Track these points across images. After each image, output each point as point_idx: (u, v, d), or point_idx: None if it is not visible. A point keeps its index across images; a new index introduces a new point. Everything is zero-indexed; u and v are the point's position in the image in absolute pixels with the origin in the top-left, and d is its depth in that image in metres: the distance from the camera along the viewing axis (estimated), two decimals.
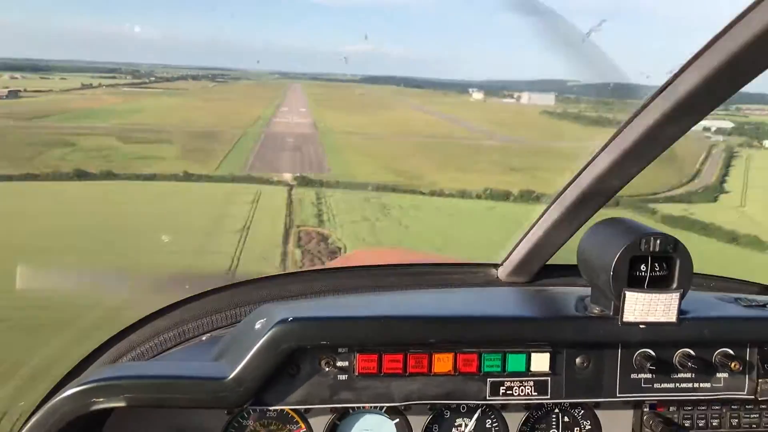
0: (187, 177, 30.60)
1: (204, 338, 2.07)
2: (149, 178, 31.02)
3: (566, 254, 2.07)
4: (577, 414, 2.02)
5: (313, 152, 49.36)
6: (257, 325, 1.75)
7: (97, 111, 61.04)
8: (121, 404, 1.60)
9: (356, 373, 1.76)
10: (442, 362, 1.76)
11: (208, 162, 39.26)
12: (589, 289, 1.90)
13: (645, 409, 1.97)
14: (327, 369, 1.76)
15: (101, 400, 1.59)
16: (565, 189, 1.90)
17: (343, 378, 1.76)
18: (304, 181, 32.84)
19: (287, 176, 35.43)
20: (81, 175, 28.50)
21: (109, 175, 30.04)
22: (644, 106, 1.50)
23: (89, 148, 40.78)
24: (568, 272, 2.25)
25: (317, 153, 47.93)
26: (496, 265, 2.31)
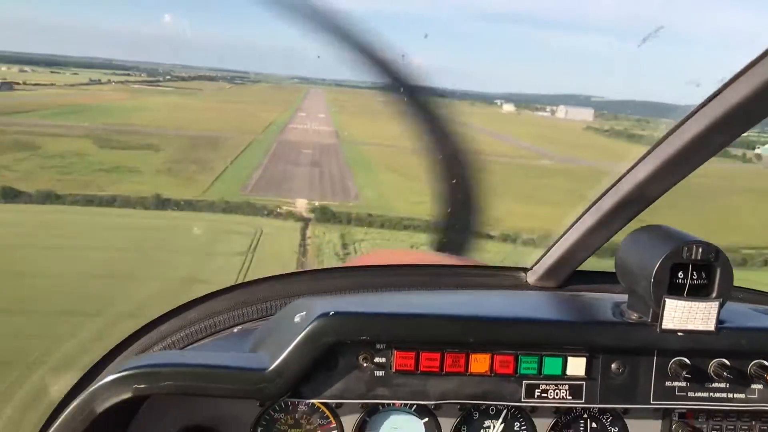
0: (160, 204, 21.69)
1: (235, 330, 2.09)
2: (106, 202, 22.09)
3: (592, 261, 2.06)
4: (606, 420, 2.03)
5: (336, 169, 40.62)
6: (297, 318, 1.75)
7: (92, 107, 55.46)
8: (160, 392, 1.60)
9: (393, 370, 1.76)
10: (479, 362, 1.77)
11: (198, 179, 30.48)
12: (621, 295, 1.92)
13: (674, 418, 1.98)
14: (365, 364, 1.76)
15: (142, 386, 1.59)
16: (602, 195, 1.89)
17: (380, 374, 1.77)
18: (323, 215, 24.00)
19: (301, 204, 26.57)
20: (7, 194, 19.86)
21: (48, 198, 21.44)
22: (691, 115, 1.49)
23: (53, 153, 31.77)
24: (597, 279, 2.27)
25: (341, 170, 36.71)
26: (525, 269, 2.31)
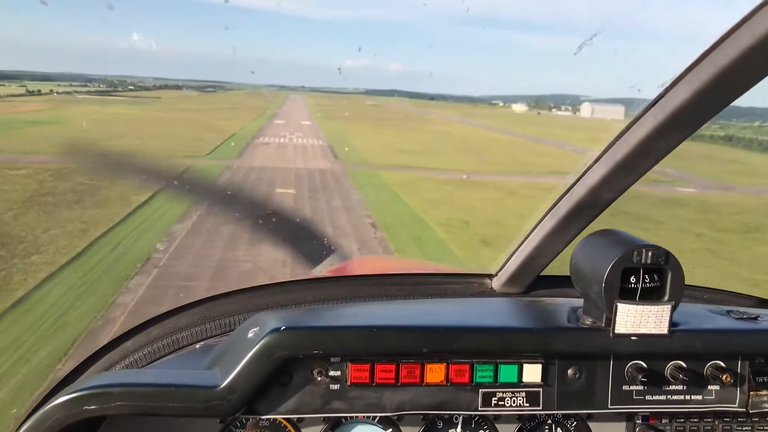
0: None
1: (198, 346, 2.03)
2: None
3: (560, 265, 2.03)
4: (570, 425, 2.01)
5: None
6: (250, 334, 1.74)
7: None
8: (113, 412, 1.62)
9: (348, 383, 1.75)
10: (434, 372, 1.76)
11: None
12: (581, 300, 1.89)
13: (638, 421, 1.97)
14: (319, 378, 1.74)
15: (93, 407, 1.60)
16: (558, 201, 1.87)
17: (336, 387, 1.76)
18: None
19: None
20: None
21: None
22: (636, 119, 1.52)
23: None
24: (561, 283, 2.24)
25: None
26: (490, 276, 2.28)
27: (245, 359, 1.65)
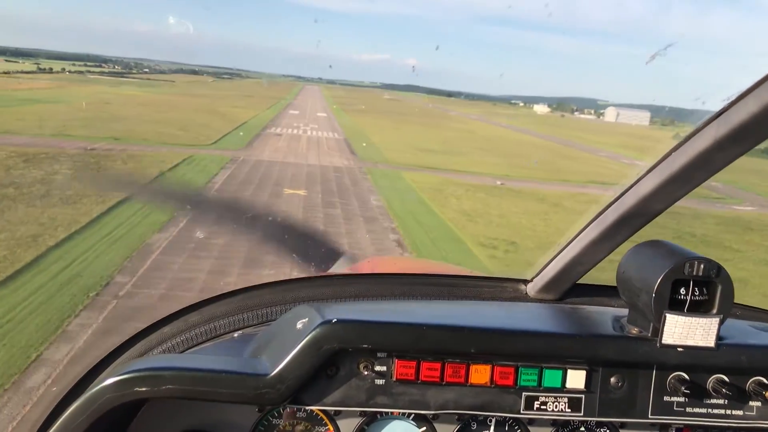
0: None
1: (235, 335, 2.04)
2: None
3: (592, 274, 2.09)
4: None
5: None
6: (299, 325, 1.75)
7: None
8: (162, 395, 1.64)
9: (394, 379, 1.76)
10: (479, 373, 1.78)
11: None
12: (623, 309, 1.91)
13: None
14: (365, 373, 1.76)
15: (144, 389, 1.63)
16: (606, 209, 1.89)
17: (381, 383, 1.77)
18: None
19: None
20: None
21: None
22: (696, 131, 1.52)
23: None
24: (596, 292, 2.21)
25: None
26: (525, 281, 2.25)
27: (295, 349, 1.67)
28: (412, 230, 21.24)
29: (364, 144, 43.45)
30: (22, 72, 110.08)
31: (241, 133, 41.62)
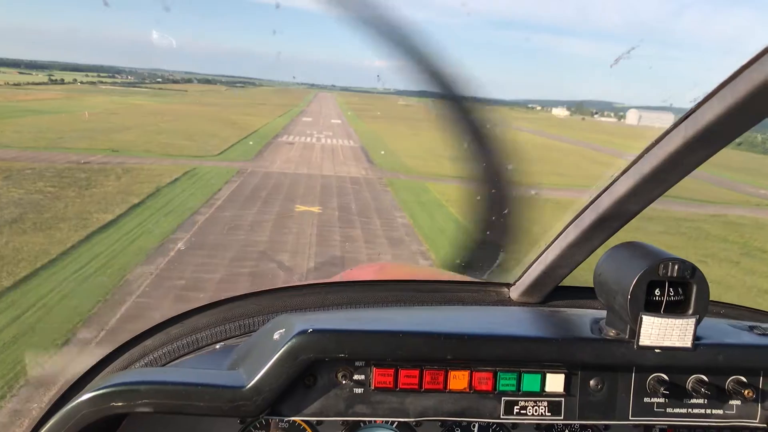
0: None
1: (217, 347, 2.05)
2: None
3: (575, 276, 2.11)
4: None
5: None
6: (275, 336, 1.76)
7: None
8: (140, 410, 1.65)
9: (372, 387, 1.76)
10: (458, 379, 1.79)
11: None
12: (602, 311, 1.91)
13: None
14: (344, 382, 1.76)
15: (120, 404, 1.63)
16: (582, 211, 1.91)
17: (359, 391, 1.77)
18: None
19: None
20: None
21: None
22: (666, 133, 1.56)
23: None
24: (579, 294, 2.24)
25: None
26: (507, 285, 2.28)
27: (271, 361, 1.68)
28: (447, 255, 18.09)
29: (383, 152, 40.58)
30: (33, 84, 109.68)
31: (251, 143, 38.97)
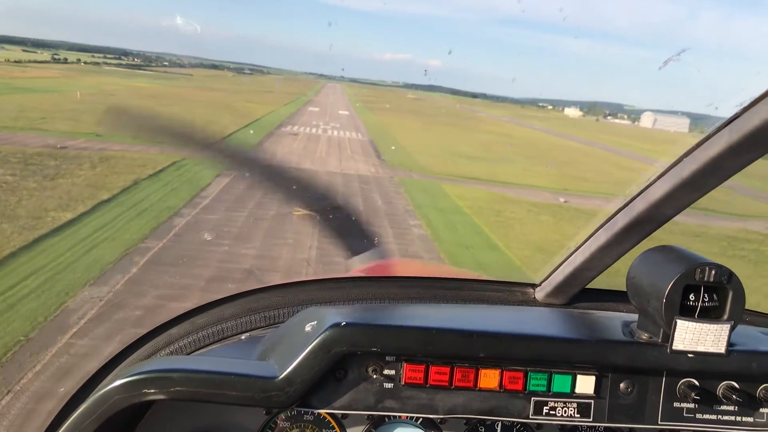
0: None
1: (243, 337, 2.05)
2: None
3: (600, 279, 2.08)
4: None
5: None
6: (307, 328, 1.77)
7: None
8: (171, 397, 1.65)
9: (402, 383, 1.77)
10: (488, 378, 1.79)
11: None
12: (633, 314, 1.93)
13: None
14: (374, 376, 1.77)
15: (152, 391, 1.64)
16: (615, 214, 1.90)
17: (389, 386, 1.78)
18: None
19: None
20: None
21: None
22: (708, 137, 1.55)
23: None
24: (605, 297, 2.23)
25: None
26: (533, 285, 2.26)
27: (304, 352, 1.68)
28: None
29: (393, 147, 37.69)
30: (35, 62, 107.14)
31: (252, 132, 36.08)
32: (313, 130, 44.28)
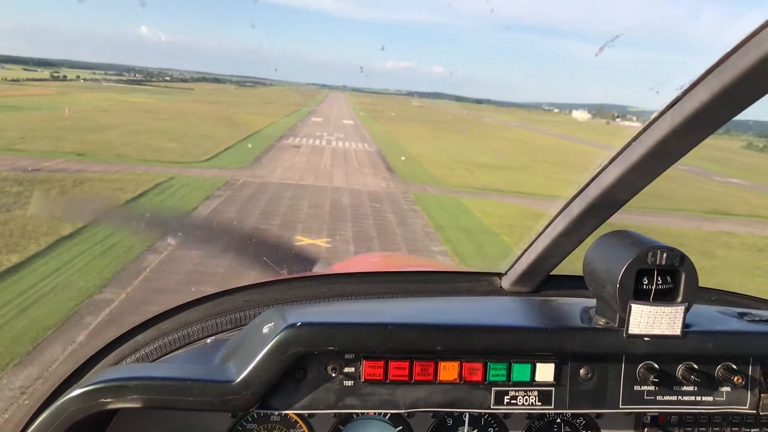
0: None
1: (209, 341, 2.06)
2: None
3: (568, 265, 2.08)
4: (579, 424, 2.09)
5: None
6: (265, 329, 1.78)
7: None
8: (129, 405, 1.67)
9: (362, 380, 1.79)
10: (448, 370, 1.81)
11: None
12: (594, 300, 1.94)
13: (646, 422, 2.05)
14: (333, 375, 1.79)
15: (109, 400, 1.65)
16: (571, 200, 1.91)
17: (349, 384, 1.81)
18: None
19: None
20: None
21: None
22: (654, 121, 1.56)
23: None
24: (571, 283, 2.25)
25: None
26: (499, 275, 2.30)
27: (260, 354, 1.70)
28: None
29: (403, 158, 35.05)
30: (33, 80, 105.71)
31: (250, 145, 33.57)
32: (317, 142, 41.79)
